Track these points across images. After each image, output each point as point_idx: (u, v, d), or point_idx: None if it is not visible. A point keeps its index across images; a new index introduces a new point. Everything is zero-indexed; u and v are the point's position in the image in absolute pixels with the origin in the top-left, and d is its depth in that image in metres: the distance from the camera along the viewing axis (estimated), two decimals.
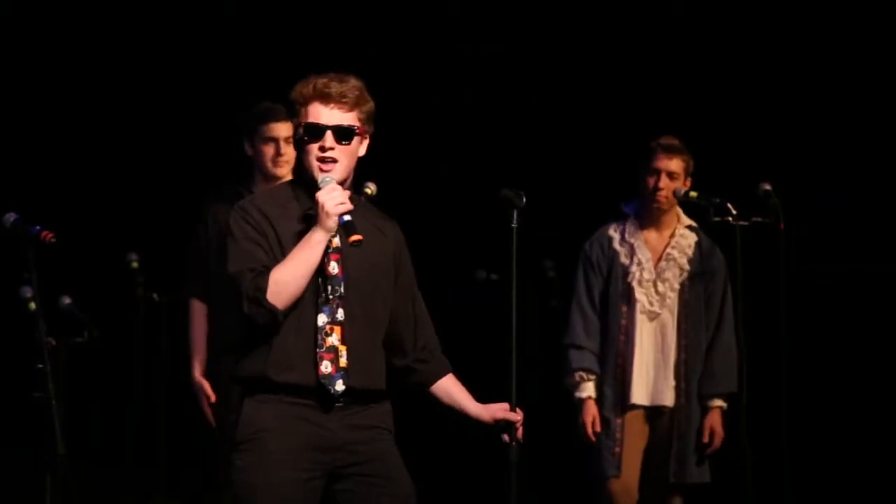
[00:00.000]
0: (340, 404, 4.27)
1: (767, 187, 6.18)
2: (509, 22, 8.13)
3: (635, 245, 6.39)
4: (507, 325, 4.95)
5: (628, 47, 8.03)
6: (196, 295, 6.16)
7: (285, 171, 6.03)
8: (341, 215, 4.22)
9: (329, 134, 4.29)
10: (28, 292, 5.71)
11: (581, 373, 6.36)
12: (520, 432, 4.60)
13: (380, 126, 8.28)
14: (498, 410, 4.59)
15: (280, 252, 4.27)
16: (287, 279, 4.21)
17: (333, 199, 4.22)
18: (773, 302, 6.18)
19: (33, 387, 5.41)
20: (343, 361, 4.26)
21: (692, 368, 6.32)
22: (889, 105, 7.72)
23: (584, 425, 6.33)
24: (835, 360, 7.68)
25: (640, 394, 6.30)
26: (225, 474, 4.36)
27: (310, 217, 4.29)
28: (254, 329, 4.25)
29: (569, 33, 8.10)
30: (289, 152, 6.09)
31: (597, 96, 7.99)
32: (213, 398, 6.10)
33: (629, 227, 6.42)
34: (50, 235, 5.27)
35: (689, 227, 6.42)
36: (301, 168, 4.38)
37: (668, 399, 6.31)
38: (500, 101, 8.07)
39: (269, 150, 6.11)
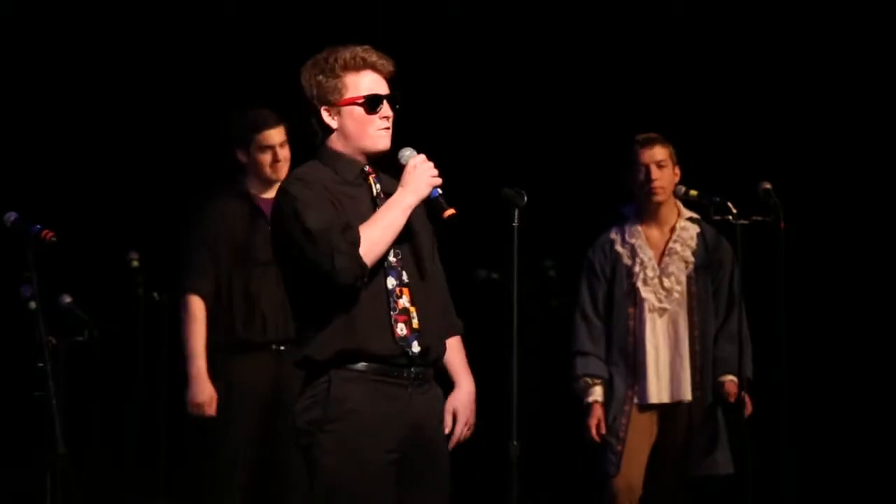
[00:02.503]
0: (418, 369, 4.29)
1: (767, 186, 6.19)
2: (509, 22, 8.12)
3: (636, 245, 6.40)
4: (508, 324, 4.95)
5: (628, 47, 8.03)
6: (196, 291, 6.20)
7: (284, 174, 6.07)
8: (434, 188, 4.26)
9: (387, 104, 4.33)
10: (28, 291, 5.71)
11: (587, 378, 6.36)
12: (451, 445, 4.56)
13: None
14: (451, 411, 4.54)
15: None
16: (377, 238, 4.20)
17: (431, 169, 4.27)
18: (773, 301, 6.18)
19: (33, 386, 5.41)
20: (415, 323, 4.29)
21: (706, 359, 6.32)
22: (889, 105, 7.72)
23: (589, 428, 6.34)
24: (835, 360, 7.68)
25: (657, 392, 6.29)
26: (305, 456, 4.28)
27: (365, 197, 4.31)
28: (326, 302, 4.20)
29: (569, 33, 8.10)
30: (284, 154, 6.17)
31: (597, 95, 7.99)
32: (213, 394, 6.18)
33: (629, 228, 6.43)
34: (50, 234, 5.27)
35: (691, 220, 6.42)
36: (345, 143, 4.35)
37: (687, 393, 6.30)
38: (500, 99, 8.07)
39: (266, 157, 6.19)
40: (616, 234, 6.45)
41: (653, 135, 6.39)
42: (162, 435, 7.37)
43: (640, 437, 6.34)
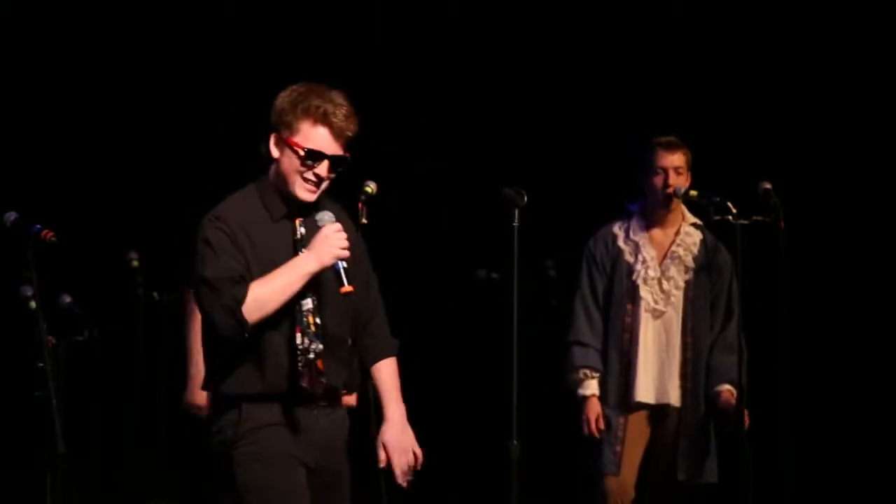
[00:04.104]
0: (324, 404, 4.37)
1: (767, 186, 6.19)
2: (509, 22, 8.13)
3: (640, 243, 6.37)
4: (508, 324, 4.95)
5: (629, 47, 8.03)
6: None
7: None
8: (340, 260, 4.26)
9: (327, 163, 4.33)
10: (28, 291, 5.72)
11: (585, 370, 6.33)
12: (400, 478, 4.58)
13: (381, 125, 8.30)
14: (382, 445, 4.57)
15: (254, 263, 4.30)
16: (267, 298, 4.24)
17: (341, 241, 4.26)
18: (773, 301, 6.18)
19: (33, 386, 5.41)
20: (321, 365, 4.33)
21: (698, 367, 6.30)
22: (889, 105, 7.72)
23: (587, 422, 6.29)
24: (835, 360, 7.68)
25: (644, 392, 6.28)
26: (220, 474, 4.39)
27: (287, 238, 4.33)
28: (225, 343, 4.28)
29: (570, 33, 8.10)
30: None
31: (597, 95, 7.99)
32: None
33: (633, 226, 6.41)
34: (50, 234, 5.27)
35: (694, 225, 6.41)
36: (277, 177, 4.38)
37: (674, 398, 6.29)
38: (501, 99, 8.07)
39: None
40: (620, 229, 6.42)
41: (675, 139, 6.34)
42: (162, 435, 7.37)
43: (635, 438, 6.32)
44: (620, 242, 6.40)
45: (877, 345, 7.68)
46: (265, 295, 4.23)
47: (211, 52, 8.09)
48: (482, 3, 8.16)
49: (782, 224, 6.11)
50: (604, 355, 6.33)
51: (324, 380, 4.31)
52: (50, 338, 5.77)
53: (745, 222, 6.11)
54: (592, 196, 7.42)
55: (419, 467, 4.56)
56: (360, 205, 5.86)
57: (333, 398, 4.40)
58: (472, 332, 7.60)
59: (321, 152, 4.30)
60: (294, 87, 4.37)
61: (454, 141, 8.03)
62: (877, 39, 7.75)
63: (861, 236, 7.71)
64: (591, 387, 6.33)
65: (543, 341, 7.13)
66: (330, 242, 4.26)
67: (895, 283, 7.73)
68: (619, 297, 6.34)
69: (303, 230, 4.37)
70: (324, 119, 4.30)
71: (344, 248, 4.26)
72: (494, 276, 7.46)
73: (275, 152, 4.36)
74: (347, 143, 4.34)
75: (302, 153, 4.30)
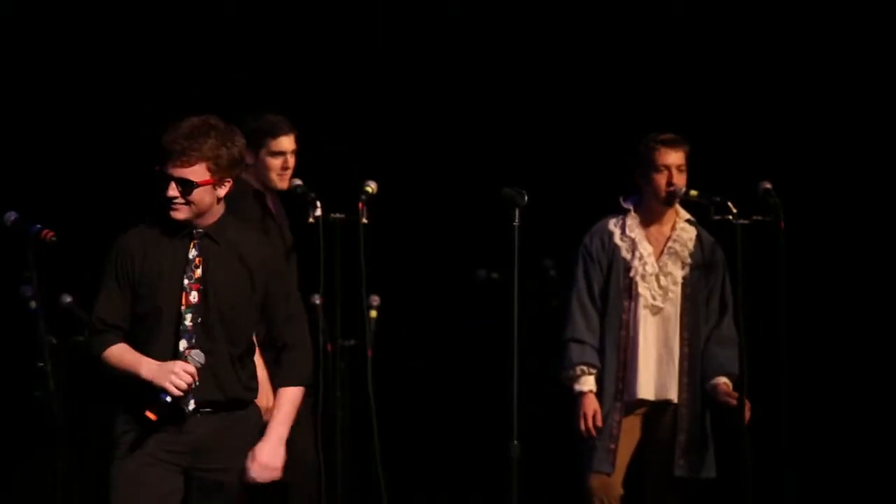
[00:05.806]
0: (197, 416, 4.61)
1: (767, 186, 6.19)
2: (509, 22, 8.13)
3: (636, 239, 6.36)
4: (508, 324, 4.96)
5: (629, 46, 8.03)
6: None
7: (286, 184, 6.08)
8: (167, 394, 4.53)
9: (173, 184, 4.64)
10: (28, 291, 5.72)
11: (583, 366, 6.29)
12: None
13: (381, 125, 8.30)
14: (250, 456, 4.76)
15: (144, 278, 4.63)
16: (114, 365, 4.66)
17: (179, 381, 4.54)
18: (773, 301, 6.18)
19: (33, 386, 5.41)
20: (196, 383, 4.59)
21: (695, 362, 6.30)
22: (889, 105, 7.72)
23: (584, 418, 6.25)
24: (835, 360, 7.68)
25: (645, 388, 6.28)
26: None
27: (179, 257, 4.64)
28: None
29: (569, 33, 8.10)
30: (292, 163, 6.13)
31: (597, 95, 7.99)
32: None
33: (629, 222, 6.39)
34: (50, 234, 5.29)
35: (688, 221, 6.40)
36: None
37: (673, 394, 6.28)
38: (500, 99, 8.07)
39: (276, 163, 6.14)
40: (615, 225, 6.39)
41: (676, 136, 6.31)
42: None
43: (627, 436, 6.30)
44: (617, 239, 6.38)
45: (877, 345, 7.69)
46: (114, 362, 4.65)
47: (211, 52, 8.08)
48: (482, 3, 8.16)
49: (782, 224, 6.11)
50: (601, 352, 6.32)
51: (197, 398, 4.58)
52: (50, 337, 5.78)
53: (745, 222, 6.10)
54: (592, 195, 7.41)
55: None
56: (360, 205, 5.87)
57: (214, 410, 4.62)
58: (472, 332, 7.60)
59: (163, 173, 4.65)
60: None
61: (455, 140, 8.03)
62: (877, 39, 7.75)
63: (861, 236, 7.72)
64: (589, 383, 6.31)
65: (543, 341, 7.13)
66: (168, 374, 4.54)
67: (895, 283, 7.73)
68: (617, 293, 6.33)
69: (195, 251, 4.66)
70: (165, 148, 4.69)
71: (177, 388, 4.52)
72: (494, 276, 7.46)
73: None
74: (209, 166, 4.66)
75: (156, 177, 4.67)
